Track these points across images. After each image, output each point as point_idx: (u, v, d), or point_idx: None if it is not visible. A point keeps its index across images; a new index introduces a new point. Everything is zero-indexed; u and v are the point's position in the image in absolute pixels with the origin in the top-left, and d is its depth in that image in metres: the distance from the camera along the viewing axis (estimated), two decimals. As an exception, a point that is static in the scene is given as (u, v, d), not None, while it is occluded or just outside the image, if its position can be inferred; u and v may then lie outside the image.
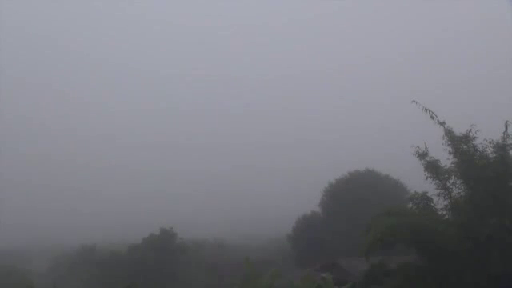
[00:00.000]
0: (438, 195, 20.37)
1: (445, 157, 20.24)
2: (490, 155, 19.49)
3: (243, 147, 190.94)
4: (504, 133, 19.38)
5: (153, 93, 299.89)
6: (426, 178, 20.55)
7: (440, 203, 20.42)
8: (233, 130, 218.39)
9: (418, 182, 22.58)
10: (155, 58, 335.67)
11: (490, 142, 19.51)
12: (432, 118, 20.26)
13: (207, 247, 69.83)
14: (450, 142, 20.04)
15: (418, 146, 20.79)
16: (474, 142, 19.74)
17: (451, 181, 20.12)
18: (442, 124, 20.23)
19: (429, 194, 20.68)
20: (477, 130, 19.69)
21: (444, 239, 18.23)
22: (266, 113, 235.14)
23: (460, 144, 19.83)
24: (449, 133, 20.08)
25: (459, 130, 20.05)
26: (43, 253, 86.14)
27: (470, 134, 19.77)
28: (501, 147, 19.28)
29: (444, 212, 20.42)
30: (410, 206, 21.52)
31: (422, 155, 20.67)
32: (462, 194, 19.94)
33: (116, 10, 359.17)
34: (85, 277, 62.59)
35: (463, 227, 18.76)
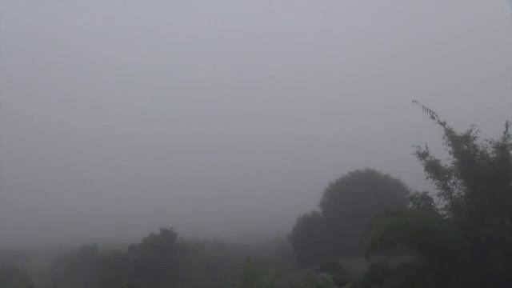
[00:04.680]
0: (439, 195, 20.33)
1: (445, 157, 20.20)
2: (491, 155, 19.45)
3: (243, 147, 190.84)
4: (504, 133, 19.36)
5: (153, 93, 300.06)
6: (427, 178, 20.51)
7: (440, 203, 20.38)
8: (233, 130, 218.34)
9: (418, 181, 22.58)
10: (157, 59, 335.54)
11: (490, 142, 19.46)
12: (432, 117, 20.22)
13: (207, 247, 69.82)
14: (450, 142, 19.99)
15: (418, 146, 20.75)
16: (474, 142, 19.67)
17: (452, 181, 20.07)
18: (443, 124, 20.19)
19: (429, 194, 20.63)
20: (477, 129, 19.65)
21: (444, 239, 18.21)
22: (266, 113, 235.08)
23: (460, 144, 19.78)
24: (449, 133, 20.03)
25: (460, 129, 20.03)
26: (43, 253, 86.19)
27: (471, 134, 19.71)
28: (501, 147, 19.24)
29: (444, 212, 20.38)
30: (411, 205, 21.49)
31: (423, 155, 20.62)
32: (462, 193, 19.90)
33: (120, 11, 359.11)
34: (85, 277, 62.60)
35: (464, 227, 18.73)
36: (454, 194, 20.09)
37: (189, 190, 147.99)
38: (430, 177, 20.39)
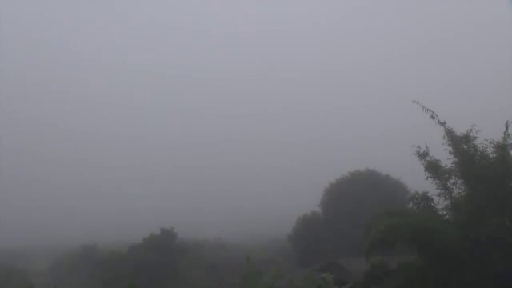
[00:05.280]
0: (439, 195, 20.35)
1: (445, 157, 20.22)
2: (491, 155, 19.47)
3: (243, 147, 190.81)
4: (504, 133, 19.37)
5: (153, 93, 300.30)
6: (427, 178, 20.52)
7: (440, 203, 20.41)
8: (233, 130, 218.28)
9: (418, 182, 22.58)
10: (158, 60, 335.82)
11: (490, 142, 19.49)
12: (432, 117, 20.23)
13: (208, 247, 69.71)
14: (450, 142, 20.01)
15: (418, 146, 20.77)
16: (474, 142, 19.70)
17: (452, 181, 20.09)
18: (443, 124, 20.20)
19: (429, 194, 20.66)
20: (477, 129, 19.67)
21: (444, 239, 18.22)
22: (266, 113, 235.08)
23: (460, 144, 19.79)
24: (449, 133, 20.04)
25: (460, 129, 20.05)
26: (43, 253, 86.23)
27: (471, 134, 19.73)
28: (501, 147, 19.26)
29: (444, 212, 20.40)
30: (411, 205, 21.51)
31: (423, 155, 20.64)
32: (462, 194, 19.92)
33: (120, 12, 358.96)
34: (85, 277, 62.57)
35: (464, 227, 18.75)
36: (454, 194, 20.11)
37: (189, 189, 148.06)
38: (430, 177, 20.41)
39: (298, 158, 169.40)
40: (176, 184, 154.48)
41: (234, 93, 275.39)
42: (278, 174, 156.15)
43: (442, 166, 20.32)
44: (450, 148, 20.03)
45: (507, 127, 19.28)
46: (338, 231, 52.99)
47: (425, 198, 20.73)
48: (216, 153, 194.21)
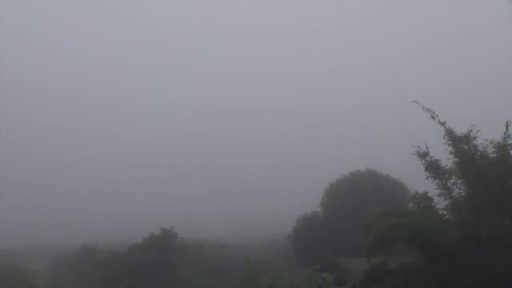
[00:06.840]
0: (439, 195, 20.40)
1: (445, 157, 20.26)
2: (491, 155, 19.50)
3: (243, 147, 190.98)
4: (505, 133, 19.39)
5: (153, 93, 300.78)
6: (427, 178, 20.57)
7: (441, 203, 20.48)
8: (233, 129, 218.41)
9: (418, 182, 22.60)
10: (157, 59, 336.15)
11: (490, 142, 19.52)
12: (433, 118, 20.27)
13: (208, 247, 69.71)
14: (450, 142, 20.04)
15: (418, 146, 20.82)
16: (474, 142, 19.74)
17: (452, 181, 20.13)
18: (443, 124, 20.24)
19: (429, 194, 20.72)
20: (477, 130, 19.71)
21: (444, 239, 18.25)
22: (266, 113, 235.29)
23: (461, 144, 19.83)
24: (449, 133, 20.08)
25: (460, 130, 20.07)
26: (43, 253, 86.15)
27: (471, 134, 19.77)
28: (501, 147, 19.28)
29: (445, 212, 20.46)
30: (411, 206, 21.57)
31: (423, 155, 20.69)
32: (462, 194, 19.95)
33: (121, 11, 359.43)
34: (85, 276, 62.59)
35: (464, 227, 18.78)
36: (454, 194, 20.14)
37: (189, 189, 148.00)
38: (430, 177, 20.45)
39: (298, 157, 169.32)
40: (176, 184, 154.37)
41: (233, 93, 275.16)
42: (278, 174, 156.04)
43: (442, 165, 20.36)
44: (450, 148, 20.06)
45: (507, 127, 19.30)
46: (338, 231, 53.01)
47: (425, 198, 20.79)
48: (216, 153, 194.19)
